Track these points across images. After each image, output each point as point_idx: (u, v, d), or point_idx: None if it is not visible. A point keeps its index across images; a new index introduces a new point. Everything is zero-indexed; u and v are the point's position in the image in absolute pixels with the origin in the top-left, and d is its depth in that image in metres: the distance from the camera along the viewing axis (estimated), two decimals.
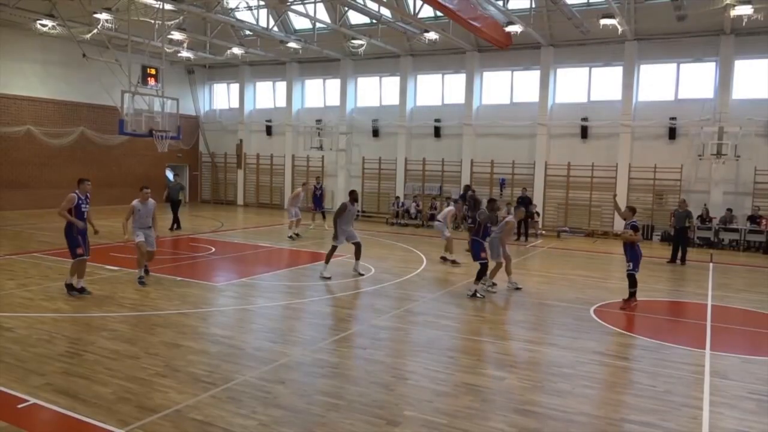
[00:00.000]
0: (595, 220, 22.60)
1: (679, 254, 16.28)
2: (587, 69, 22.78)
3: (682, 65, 21.36)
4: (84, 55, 20.24)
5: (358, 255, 12.85)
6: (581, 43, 22.03)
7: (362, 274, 12.76)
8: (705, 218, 20.14)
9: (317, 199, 21.43)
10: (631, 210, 11.24)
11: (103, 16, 19.85)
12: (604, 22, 17.75)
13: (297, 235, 18.61)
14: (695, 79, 21.23)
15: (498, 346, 8.15)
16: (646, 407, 6.16)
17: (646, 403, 6.26)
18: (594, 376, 7.17)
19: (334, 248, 12.50)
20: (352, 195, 12.84)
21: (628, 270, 10.72)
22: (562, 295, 11.67)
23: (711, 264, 16.47)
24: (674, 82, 21.48)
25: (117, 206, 26.28)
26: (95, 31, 20.86)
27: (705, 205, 20.31)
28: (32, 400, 5.86)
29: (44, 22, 20.82)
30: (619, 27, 18.34)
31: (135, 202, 11.35)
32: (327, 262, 12.43)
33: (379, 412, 5.82)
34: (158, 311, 9.44)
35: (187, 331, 8.47)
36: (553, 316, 10.34)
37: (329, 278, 12.18)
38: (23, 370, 6.65)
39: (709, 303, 11.38)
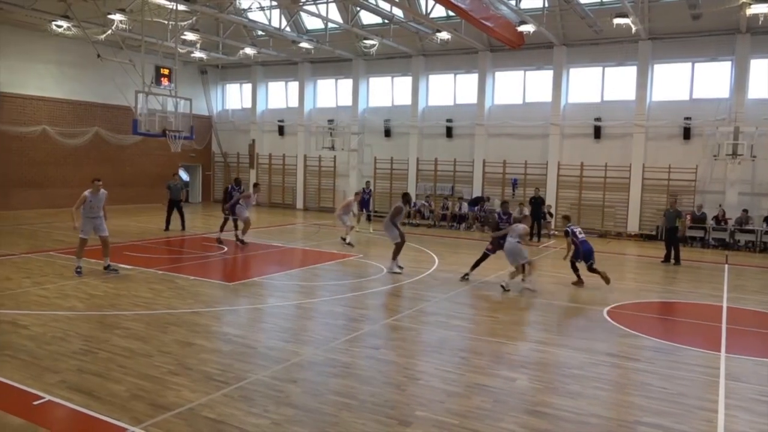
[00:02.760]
0: (608, 221, 22.45)
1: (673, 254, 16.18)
2: (600, 68, 22.64)
3: (696, 64, 21.17)
4: (98, 56, 20.42)
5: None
6: (594, 42, 21.90)
7: (402, 267, 13.44)
8: (720, 219, 19.95)
9: (365, 202, 21.68)
10: (565, 218, 13.28)
11: (117, 16, 20.02)
12: (617, 21, 17.63)
13: (350, 244, 17.16)
14: (710, 79, 21.03)
15: (510, 347, 8.12)
16: (659, 410, 6.11)
17: (659, 406, 6.21)
18: (607, 378, 7.12)
19: (398, 246, 13.32)
20: (406, 197, 13.96)
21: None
22: (574, 296, 11.61)
23: (726, 265, 16.31)
24: (689, 81, 21.28)
25: (130, 205, 26.59)
26: (109, 31, 21.05)
27: (720, 205, 20.12)
28: (47, 397, 5.92)
29: (59, 23, 21.03)
30: (632, 26, 18.21)
31: (86, 192, 11.68)
32: (394, 258, 13.29)
33: (390, 412, 5.82)
34: (171, 310, 9.50)
35: (199, 329, 8.52)
36: (565, 318, 10.28)
37: (401, 269, 13.22)
38: (39, 367, 6.72)
39: (725, 305, 11.27)
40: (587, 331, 9.07)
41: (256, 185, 18.46)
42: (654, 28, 20.74)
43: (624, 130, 21.91)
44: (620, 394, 6.72)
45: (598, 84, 22.69)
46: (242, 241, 16.05)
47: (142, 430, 5.26)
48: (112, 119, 25.95)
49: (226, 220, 16.65)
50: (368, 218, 21.40)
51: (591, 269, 12.34)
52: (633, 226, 21.86)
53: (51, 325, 8.33)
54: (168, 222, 19.10)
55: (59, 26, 21.26)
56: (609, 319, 9.86)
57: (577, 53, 22.72)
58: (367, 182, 23.38)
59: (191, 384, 6.36)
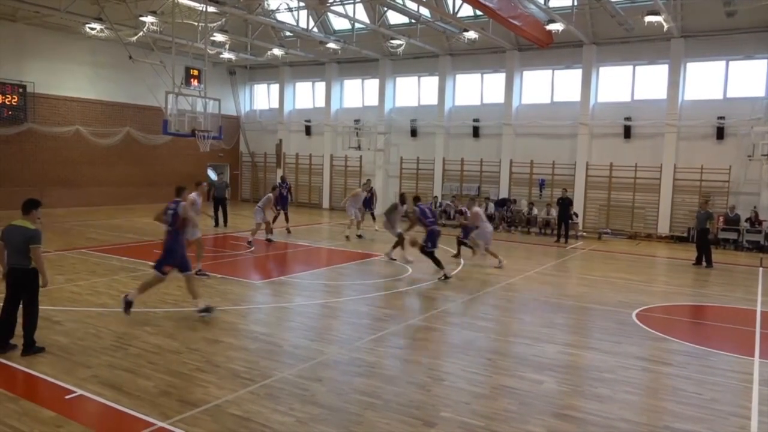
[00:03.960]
0: (638, 222, 22.06)
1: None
2: (631, 67, 22.26)
3: (731, 63, 20.65)
4: (130, 57, 20.80)
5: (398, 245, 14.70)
6: (625, 40, 21.54)
7: (411, 260, 14.01)
8: (754, 221, 19.45)
9: (367, 201, 21.17)
10: (416, 199, 14.05)
11: (149, 19, 20.36)
12: (649, 19, 17.31)
13: (359, 236, 18.50)
14: (745, 77, 20.48)
15: (537, 349, 8.03)
16: (690, 415, 5.99)
17: (690, 411, 6.09)
18: (636, 382, 7.00)
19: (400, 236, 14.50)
20: (402, 198, 15.66)
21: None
22: (603, 299, 11.43)
23: (761, 269, 15.90)
24: (723, 80, 20.78)
25: (160, 204, 26.91)
26: (141, 33, 21.43)
27: (754, 207, 19.61)
28: (79, 392, 6.05)
29: (93, 25, 21.49)
30: (664, 24, 17.84)
31: (194, 194, 11.78)
32: (400, 247, 14.42)
33: (415, 413, 5.81)
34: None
35: (226, 327, 8.62)
36: (593, 320, 10.14)
37: (394, 260, 14.22)
38: (71, 362, 6.88)
39: (759, 309, 10.98)
40: (616, 334, 8.93)
41: (274, 188, 18.61)
42: (687, 25, 20.32)
43: (655, 129, 21.50)
44: (650, 399, 6.60)
45: (628, 83, 22.31)
46: (250, 243, 16.12)
47: (171, 426, 5.34)
48: (143, 119, 26.40)
49: (275, 218, 17.96)
50: (372, 217, 21.03)
51: (422, 251, 12.97)
52: (663, 228, 21.45)
53: (84, 321, 8.51)
54: (216, 219, 20.08)
55: (92, 29, 21.71)
56: (638, 322, 9.70)
57: (607, 52, 22.37)
58: (368, 180, 22.60)
59: (218, 381, 6.44)
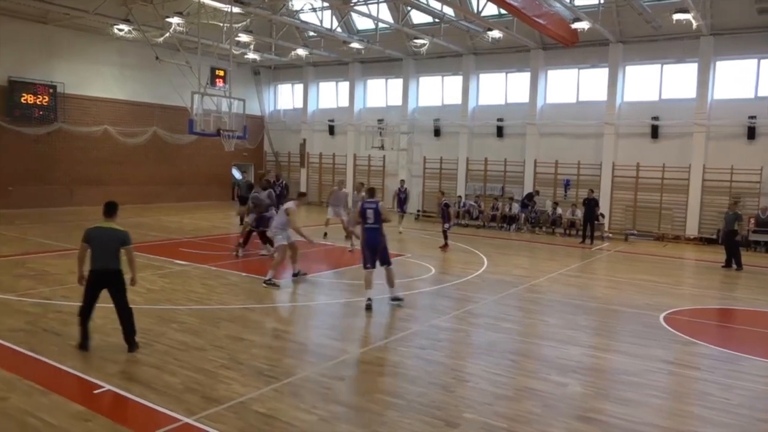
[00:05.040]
0: (665, 224, 21.69)
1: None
2: (659, 66, 21.89)
3: (762, 61, 20.19)
4: (157, 58, 21.13)
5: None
6: (652, 39, 21.20)
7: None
8: None
9: (401, 202, 21.09)
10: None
11: (175, 20, 20.63)
12: (677, 17, 17.03)
13: (325, 234, 17.75)
14: None
15: (561, 351, 7.95)
16: (718, 420, 5.88)
17: (718, 417, 5.97)
18: (662, 386, 6.89)
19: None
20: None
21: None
22: (629, 301, 11.27)
23: None
24: (754, 78, 20.31)
25: (186, 203, 27.37)
26: (167, 34, 21.74)
27: None
28: (107, 387, 6.16)
29: (121, 26, 21.89)
30: (693, 22, 17.53)
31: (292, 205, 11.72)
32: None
33: (438, 413, 5.79)
34: (224, 305, 9.74)
35: (250, 325, 8.70)
36: (619, 322, 10.01)
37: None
38: (100, 357, 7.01)
39: None
40: (642, 337, 8.79)
41: (341, 181, 18.89)
42: (717, 23, 19.91)
43: (683, 129, 21.12)
44: (677, 403, 6.49)
45: (655, 82, 21.95)
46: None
47: (196, 422, 5.41)
48: (169, 119, 26.76)
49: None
50: (401, 217, 20.77)
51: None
52: (692, 230, 21.06)
53: (111, 317, 8.61)
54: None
55: (120, 30, 22.12)
56: (665, 325, 9.54)
57: (634, 50, 22.04)
58: (402, 181, 22.78)
59: (242, 378, 6.50)
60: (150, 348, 7.37)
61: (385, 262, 10.00)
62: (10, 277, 11.09)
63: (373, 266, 9.90)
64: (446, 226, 16.91)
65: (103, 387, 6.15)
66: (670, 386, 6.99)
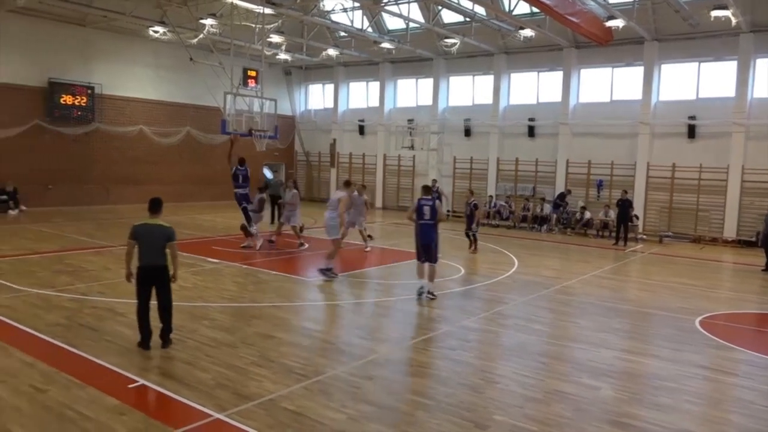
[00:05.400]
0: (702, 225, 21.17)
1: None
2: (696, 64, 21.37)
3: None
4: (191, 59, 21.44)
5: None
6: (689, 36, 20.70)
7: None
8: None
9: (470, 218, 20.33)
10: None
11: (209, 21, 20.95)
12: (715, 14, 16.60)
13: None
14: None
15: (593, 354, 7.82)
16: (756, 429, 5.71)
17: (756, 425, 5.80)
18: (698, 392, 6.73)
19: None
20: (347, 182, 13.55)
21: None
22: (663, 304, 11.04)
23: None
24: None
25: (218, 202, 27.72)
26: (201, 36, 22.09)
27: None
28: (141, 381, 6.29)
29: (156, 28, 22.34)
30: (732, 19, 17.08)
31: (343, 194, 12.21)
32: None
33: (467, 415, 5.76)
34: (254, 303, 9.85)
35: (280, 323, 8.78)
36: (653, 326, 9.81)
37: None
38: (134, 353, 7.15)
39: None
40: (677, 341, 8.60)
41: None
42: (757, 20, 19.33)
43: (721, 129, 20.57)
44: (714, 410, 6.32)
45: (692, 80, 21.44)
46: (302, 243, 15.97)
47: (227, 418, 5.48)
48: (202, 119, 27.17)
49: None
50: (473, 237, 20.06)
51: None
52: (730, 232, 20.51)
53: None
54: (272, 217, 20.58)
55: (156, 31, 22.56)
56: (701, 329, 9.31)
57: (670, 48, 21.56)
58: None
59: (272, 376, 6.56)
60: (182, 344, 7.49)
61: (432, 259, 10.49)
62: (49, 273, 11.41)
63: (425, 259, 10.53)
64: (474, 228, 16.52)
65: (138, 382, 6.28)
66: (706, 392, 6.82)
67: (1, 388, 5.98)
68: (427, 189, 11.03)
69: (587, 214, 22.00)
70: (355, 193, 15.50)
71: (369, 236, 16.54)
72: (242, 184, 15.67)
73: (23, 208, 21.50)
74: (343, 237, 15.73)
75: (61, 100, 22.76)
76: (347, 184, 13.04)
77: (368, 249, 15.94)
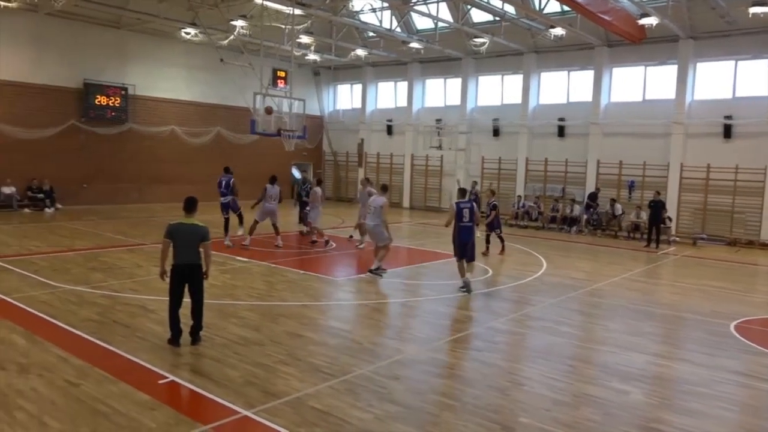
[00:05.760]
0: (738, 228, 20.64)
1: None
2: (732, 62, 20.85)
3: None
4: (221, 60, 21.76)
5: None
6: (726, 34, 20.21)
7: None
8: None
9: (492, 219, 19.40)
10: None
11: (239, 22, 21.20)
12: (753, 10, 16.14)
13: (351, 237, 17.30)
14: None
15: (623, 358, 7.69)
16: None
17: None
18: (732, 398, 6.56)
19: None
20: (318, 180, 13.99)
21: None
22: (696, 308, 10.80)
23: None
24: None
25: (247, 201, 27.94)
26: (232, 37, 22.37)
27: None
28: (171, 377, 6.40)
29: (188, 30, 22.70)
30: None
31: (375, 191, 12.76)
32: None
33: (493, 417, 5.72)
34: (282, 302, 9.93)
35: (308, 322, 8.84)
36: (686, 330, 9.61)
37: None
38: (164, 349, 7.28)
39: None
40: (710, 346, 8.40)
41: (320, 182, 18.01)
42: None
43: (759, 128, 20.01)
44: (748, 417, 6.16)
45: (729, 79, 20.91)
46: (328, 241, 15.97)
47: (254, 415, 5.54)
48: (232, 119, 27.50)
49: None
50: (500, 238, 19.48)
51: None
52: (767, 234, 19.97)
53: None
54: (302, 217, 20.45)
55: (187, 33, 22.93)
56: (736, 334, 9.08)
57: (705, 46, 21.07)
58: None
59: (300, 374, 6.61)
60: (211, 342, 7.59)
61: (471, 258, 11.16)
62: (84, 270, 11.68)
63: (464, 258, 11.06)
64: (498, 231, 16.17)
65: (168, 378, 6.39)
66: (740, 398, 6.65)
67: (38, 381, 6.14)
68: (463, 192, 11.54)
69: (618, 208, 21.57)
70: (369, 189, 15.86)
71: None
72: (223, 191, 15.51)
73: (59, 206, 22.07)
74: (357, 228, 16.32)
75: (96, 101, 23.26)
76: (385, 188, 13.12)
77: (362, 246, 15.78)
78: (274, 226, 15.39)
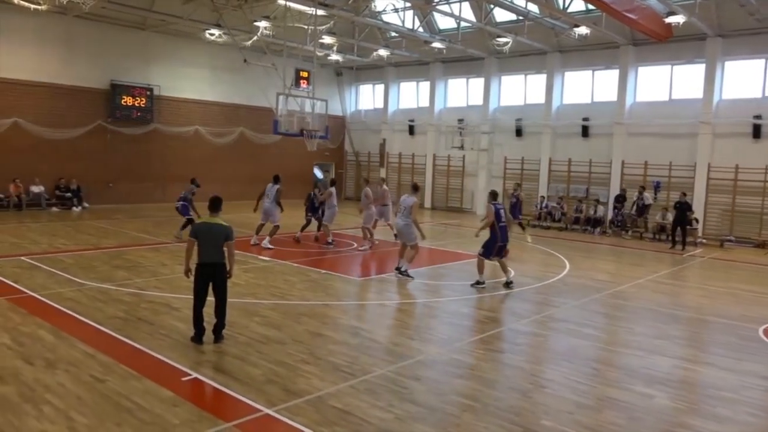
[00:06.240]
0: (767, 230, 20.19)
1: None
2: (762, 61, 20.40)
3: None
4: (245, 61, 21.95)
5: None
6: (755, 32, 19.78)
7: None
8: None
9: (513, 207, 18.34)
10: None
11: (263, 23, 21.37)
12: None
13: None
14: None
15: (648, 361, 7.58)
16: None
17: None
18: (761, 404, 6.42)
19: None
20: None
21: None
22: (724, 311, 10.59)
23: None
24: None
25: (286, 201, 28.16)
26: (255, 38, 22.56)
27: None
28: (194, 375, 6.47)
29: (212, 31, 22.93)
30: None
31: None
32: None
33: (515, 419, 5.67)
34: (304, 301, 9.98)
35: (329, 321, 8.86)
36: (712, 334, 9.43)
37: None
38: (187, 347, 7.36)
39: None
40: (738, 350, 8.23)
41: (333, 183, 17.41)
42: None
43: None
44: None
45: (759, 78, 20.47)
46: (330, 242, 16.03)
47: (275, 413, 5.58)
48: (255, 120, 27.72)
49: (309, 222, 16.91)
50: (521, 225, 18.82)
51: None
52: None
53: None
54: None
55: (212, 34, 23.17)
56: (765, 338, 8.89)
57: (734, 44, 20.65)
58: (517, 185, 20.66)
59: (321, 373, 6.63)
60: (234, 340, 7.66)
61: (504, 255, 11.99)
62: (109, 267, 11.87)
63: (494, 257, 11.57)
64: (519, 218, 16.54)
65: (191, 375, 6.46)
66: None
67: (65, 377, 6.26)
68: (494, 194, 11.83)
69: (647, 197, 21.07)
70: (385, 186, 16.55)
71: (373, 240, 16.02)
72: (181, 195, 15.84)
73: (86, 205, 22.48)
74: (374, 227, 16.44)
75: (122, 102, 23.62)
76: (416, 188, 13.00)
77: (364, 248, 15.57)
78: (261, 226, 15.52)
